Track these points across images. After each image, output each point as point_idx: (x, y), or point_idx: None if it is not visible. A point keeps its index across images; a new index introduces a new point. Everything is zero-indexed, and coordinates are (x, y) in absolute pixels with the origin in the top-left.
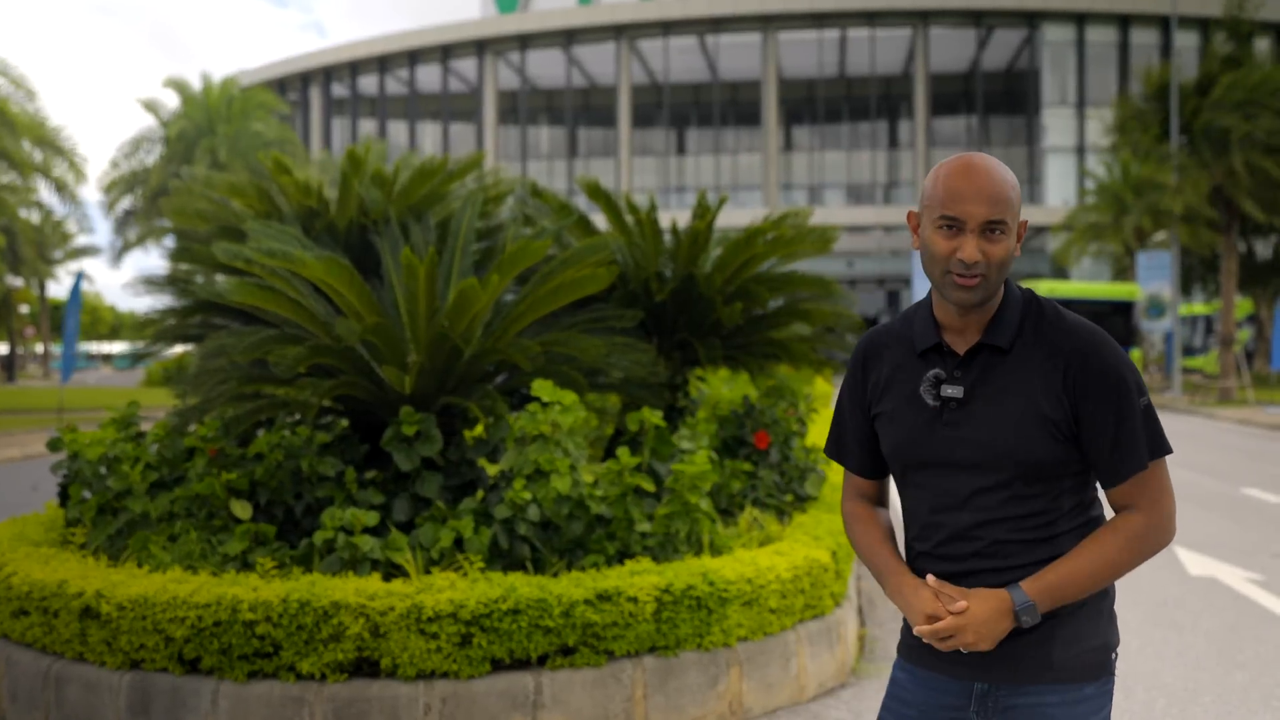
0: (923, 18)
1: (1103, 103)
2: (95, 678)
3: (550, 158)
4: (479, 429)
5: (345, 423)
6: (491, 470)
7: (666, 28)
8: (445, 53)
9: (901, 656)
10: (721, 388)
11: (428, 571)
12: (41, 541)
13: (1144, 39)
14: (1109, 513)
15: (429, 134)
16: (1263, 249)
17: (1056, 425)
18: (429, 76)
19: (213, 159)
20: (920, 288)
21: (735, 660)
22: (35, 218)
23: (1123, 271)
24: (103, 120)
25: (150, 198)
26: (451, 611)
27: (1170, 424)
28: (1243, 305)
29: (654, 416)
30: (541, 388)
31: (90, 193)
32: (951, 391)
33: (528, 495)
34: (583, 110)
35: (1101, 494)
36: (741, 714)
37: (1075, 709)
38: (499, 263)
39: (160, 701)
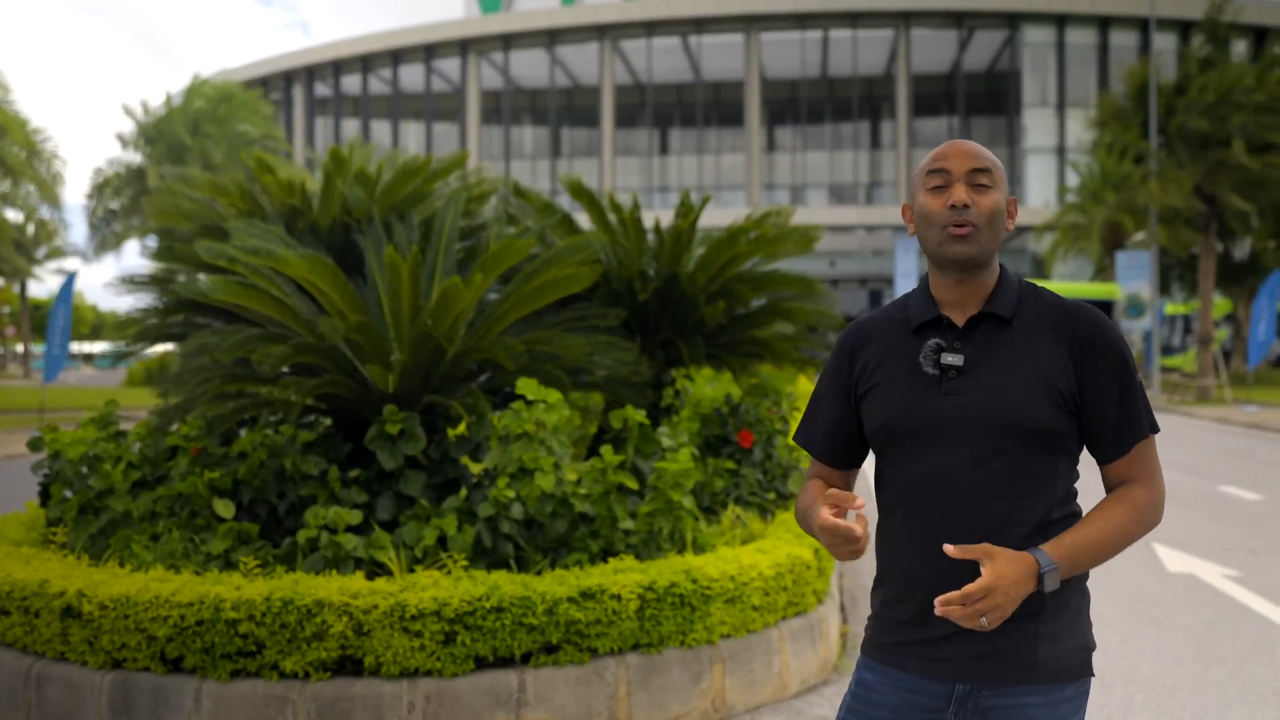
0: (904, 19)
1: (1083, 104)
2: (77, 677)
3: (534, 157)
4: (461, 427)
5: (328, 421)
6: (475, 469)
7: (649, 28)
8: (429, 52)
9: (869, 656)
10: (705, 386)
11: (411, 570)
12: (22, 541)
13: (1123, 40)
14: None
15: (412, 134)
16: (1239, 250)
17: (1062, 395)
18: (412, 76)
19: (204, 161)
20: (903, 287)
21: (718, 657)
22: (14, 217)
23: (1102, 270)
24: (85, 120)
25: (133, 198)
26: (435, 610)
27: None
28: (1221, 305)
29: (637, 415)
30: (525, 386)
31: (72, 194)
32: (952, 359)
33: (511, 493)
34: (566, 110)
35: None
36: (724, 711)
37: (1056, 710)
38: (482, 261)
39: (142, 701)
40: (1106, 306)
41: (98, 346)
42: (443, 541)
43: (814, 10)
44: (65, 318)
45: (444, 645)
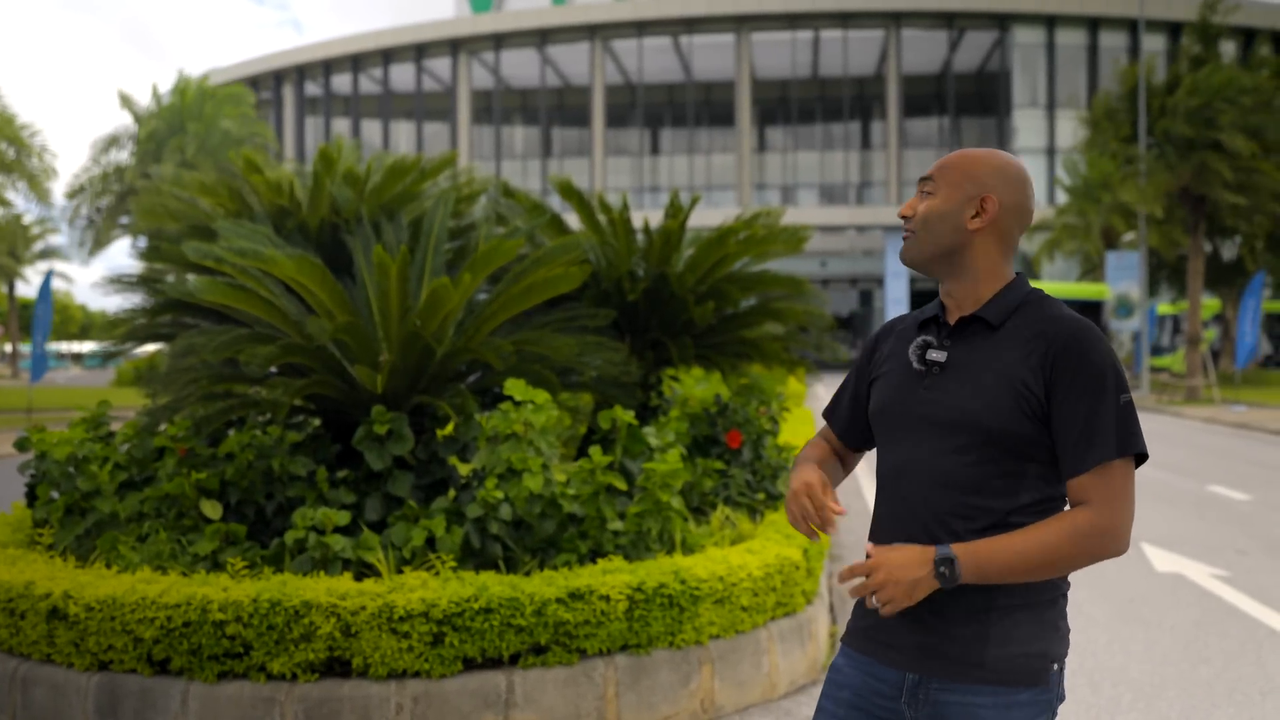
0: (895, 19)
1: (1073, 105)
2: (63, 679)
3: (524, 157)
4: (450, 428)
5: (317, 422)
6: (463, 469)
7: (640, 28)
8: (419, 52)
9: (844, 643)
10: (694, 386)
11: (399, 571)
12: (8, 542)
13: (1113, 42)
14: None
15: (403, 133)
16: (1228, 250)
17: (1028, 401)
18: (403, 76)
19: (182, 157)
20: (893, 286)
21: (707, 658)
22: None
23: (1091, 270)
24: (74, 118)
25: (120, 196)
26: (423, 611)
27: None
28: (1210, 305)
29: (626, 415)
30: (514, 387)
31: (61, 189)
32: (935, 355)
33: (500, 494)
34: (557, 110)
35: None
36: (713, 712)
37: (1007, 713)
38: (471, 262)
39: (129, 703)
40: (1095, 307)
41: (86, 346)
42: (431, 542)
43: (805, 10)
44: (46, 317)
45: (432, 646)
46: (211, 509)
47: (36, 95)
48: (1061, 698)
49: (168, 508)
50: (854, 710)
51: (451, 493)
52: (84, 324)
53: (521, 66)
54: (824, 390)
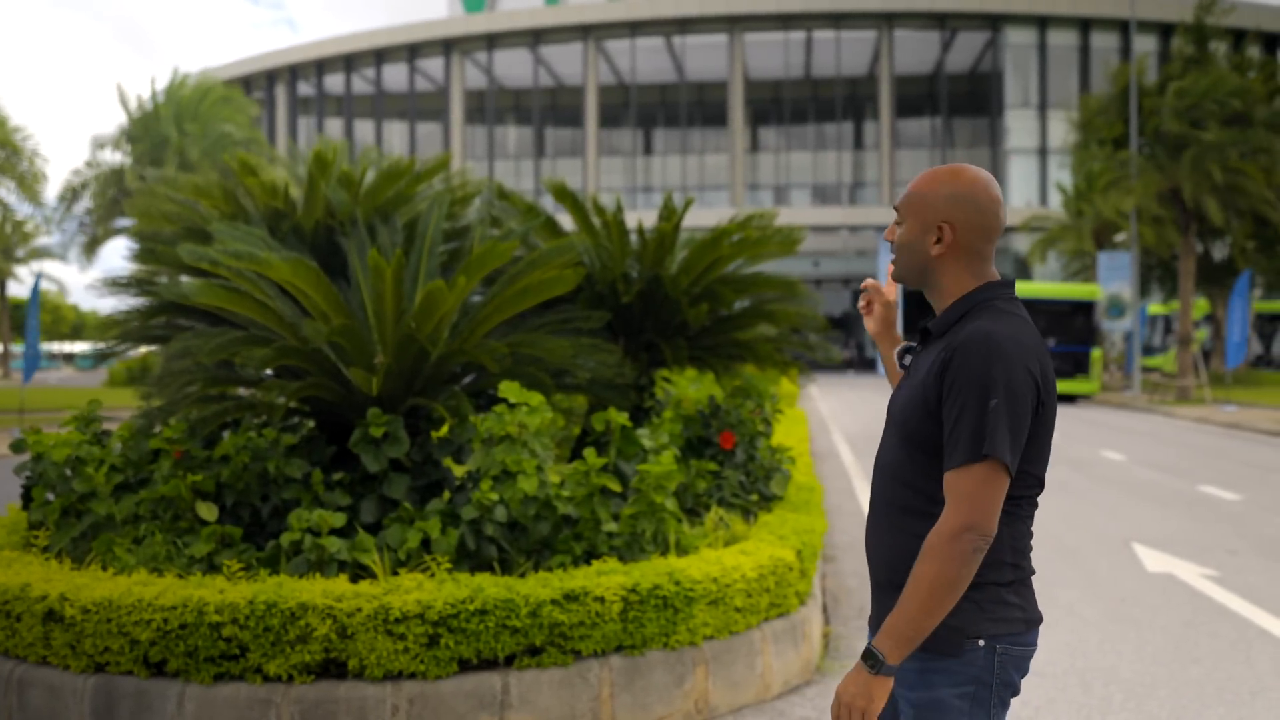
0: (887, 20)
1: (1064, 105)
2: (59, 681)
3: (517, 157)
4: (444, 429)
5: (312, 424)
6: (458, 471)
7: (633, 28)
8: (412, 52)
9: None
10: (688, 388)
11: (395, 572)
12: (4, 544)
13: (1104, 42)
14: None
15: (396, 133)
16: (1219, 250)
17: (928, 405)
18: (396, 75)
19: (181, 159)
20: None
21: (701, 659)
22: None
23: (1083, 270)
24: (67, 116)
25: (113, 198)
26: (419, 612)
27: (1130, 422)
28: (1200, 305)
29: (620, 417)
30: (508, 389)
31: (54, 190)
32: (907, 361)
33: (495, 496)
34: (550, 110)
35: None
36: (707, 712)
37: (926, 677)
38: (466, 264)
39: (125, 705)
40: (1087, 307)
41: (79, 346)
42: (426, 544)
43: (797, 11)
44: (34, 319)
45: (428, 648)
46: (207, 511)
47: (28, 93)
48: (1012, 687)
49: (164, 510)
50: None
51: (446, 494)
52: (76, 324)
53: (514, 66)
54: (817, 391)
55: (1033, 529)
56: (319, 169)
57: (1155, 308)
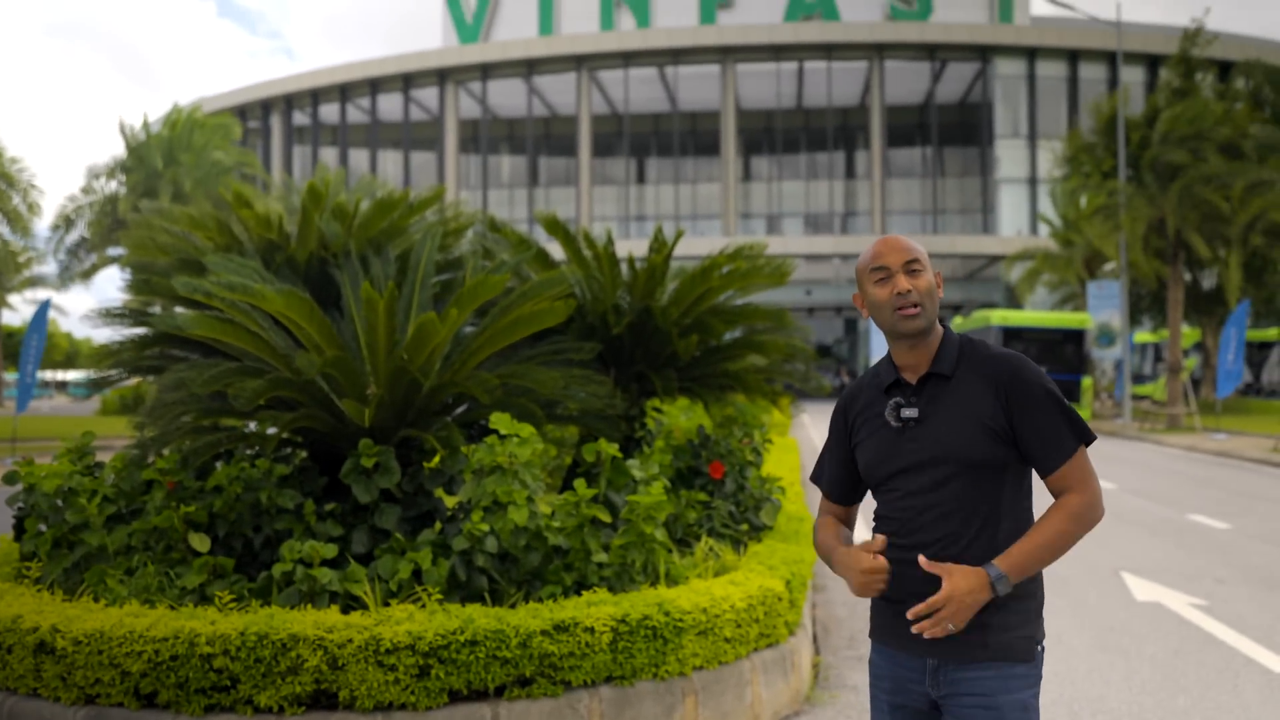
0: (878, 50)
1: (1053, 135)
2: (50, 713)
3: (511, 186)
4: (436, 460)
5: (304, 455)
6: (449, 502)
7: (627, 58)
8: (407, 81)
9: (872, 639)
10: (679, 418)
11: (386, 603)
12: None
13: (1092, 74)
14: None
15: (390, 162)
16: (1208, 279)
17: (994, 431)
18: (390, 105)
19: (175, 189)
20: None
21: (691, 689)
22: None
23: (1071, 298)
24: (64, 145)
25: (108, 228)
26: (409, 643)
27: (1120, 451)
28: (1189, 334)
29: (610, 448)
30: (499, 420)
31: (48, 220)
32: (909, 413)
33: (485, 527)
34: (543, 139)
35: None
36: None
37: (1006, 683)
38: (458, 296)
39: None
40: (1078, 336)
41: (71, 375)
42: (417, 575)
43: (789, 42)
44: (39, 346)
45: (418, 679)
46: (199, 542)
47: (25, 122)
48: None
49: (156, 541)
50: (895, 694)
51: (438, 525)
52: (69, 352)
53: (508, 96)
54: (808, 420)
55: None
56: (312, 201)
57: (1141, 335)
